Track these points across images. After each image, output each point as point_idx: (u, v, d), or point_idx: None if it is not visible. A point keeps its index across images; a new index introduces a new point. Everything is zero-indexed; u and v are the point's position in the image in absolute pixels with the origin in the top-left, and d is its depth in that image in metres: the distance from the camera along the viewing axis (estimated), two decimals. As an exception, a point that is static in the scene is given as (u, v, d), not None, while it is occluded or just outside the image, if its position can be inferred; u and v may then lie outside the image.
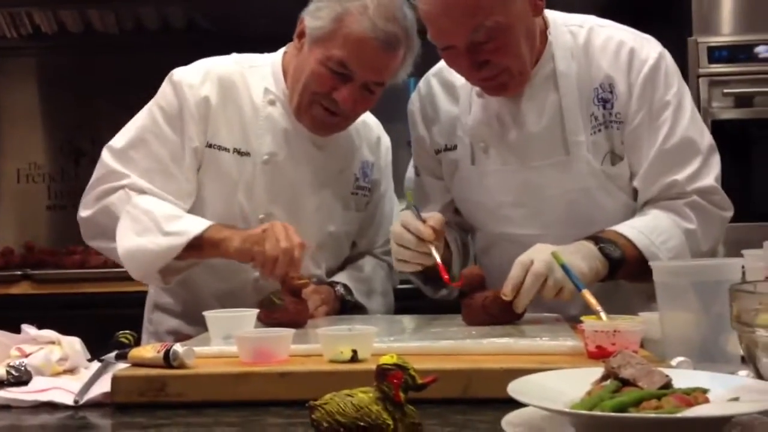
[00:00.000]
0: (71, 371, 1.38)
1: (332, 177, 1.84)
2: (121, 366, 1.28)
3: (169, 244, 1.66)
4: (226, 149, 1.77)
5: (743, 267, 1.27)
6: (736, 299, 1.02)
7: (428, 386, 0.95)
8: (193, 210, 1.77)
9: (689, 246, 1.61)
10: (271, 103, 1.81)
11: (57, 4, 3.30)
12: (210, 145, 1.77)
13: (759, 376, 1.02)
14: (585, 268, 1.49)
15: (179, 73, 1.80)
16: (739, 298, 1.02)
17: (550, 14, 1.71)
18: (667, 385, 0.92)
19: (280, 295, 1.56)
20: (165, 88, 1.80)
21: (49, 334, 1.44)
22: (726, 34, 2.88)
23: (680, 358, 1.15)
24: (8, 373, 1.31)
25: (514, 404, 0.93)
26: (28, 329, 1.47)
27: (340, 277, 1.86)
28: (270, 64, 1.85)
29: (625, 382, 0.94)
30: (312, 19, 1.72)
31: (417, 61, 1.77)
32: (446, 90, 1.80)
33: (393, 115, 2.03)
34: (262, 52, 1.90)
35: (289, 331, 1.27)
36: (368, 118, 1.95)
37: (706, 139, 1.67)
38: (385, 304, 1.92)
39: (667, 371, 0.96)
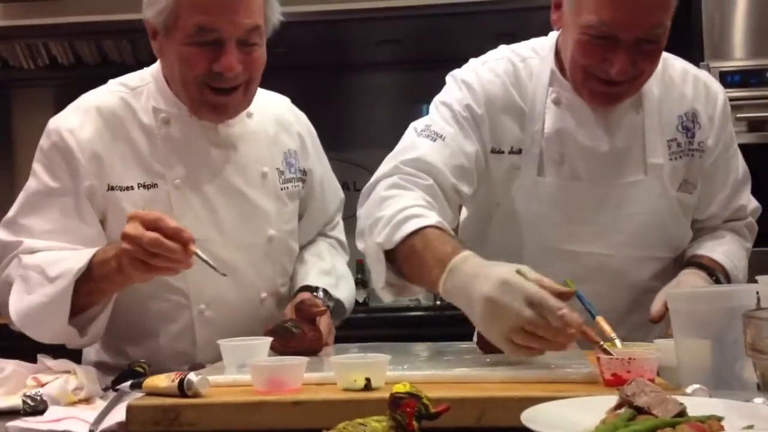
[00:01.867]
0: (87, 400, 1.39)
1: (255, 181, 1.75)
2: (136, 395, 1.28)
3: (57, 290, 1.51)
4: (129, 188, 1.64)
5: (758, 293, 1.26)
6: (750, 326, 1.02)
7: (441, 415, 0.95)
8: None
9: (746, 263, 1.77)
10: (165, 122, 1.68)
11: (73, 36, 3.35)
12: (111, 188, 1.64)
13: (775, 403, 1.01)
14: None
15: (55, 122, 1.67)
16: (753, 325, 1.01)
17: None
18: (682, 413, 0.92)
19: (297, 324, 1.56)
20: (43, 142, 1.67)
21: (64, 363, 1.46)
22: (738, 58, 2.89)
23: (695, 386, 1.14)
24: (24, 402, 1.32)
25: (528, 433, 0.92)
26: (44, 359, 1.49)
27: (311, 278, 1.78)
28: (152, 79, 1.72)
29: (640, 410, 0.94)
30: (150, 9, 1.61)
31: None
32: (513, 84, 1.68)
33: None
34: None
35: (303, 360, 1.27)
36: (277, 104, 1.86)
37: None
38: (349, 289, 1.86)
39: (682, 399, 0.95)
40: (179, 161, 1.68)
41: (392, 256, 1.47)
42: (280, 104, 1.89)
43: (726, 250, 1.73)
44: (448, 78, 1.74)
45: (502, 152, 1.67)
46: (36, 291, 1.54)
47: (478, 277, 1.30)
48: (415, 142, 1.64)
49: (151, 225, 1.42)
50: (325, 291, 1.77)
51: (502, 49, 1.74)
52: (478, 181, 1.67)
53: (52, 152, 1.65)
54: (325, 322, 1.65)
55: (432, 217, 1.46)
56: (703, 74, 1.77)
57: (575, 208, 1.66)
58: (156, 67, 1.74)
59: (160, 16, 1.59)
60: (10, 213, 1.67)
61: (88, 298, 1.55)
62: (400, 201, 1.51)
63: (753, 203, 1.84)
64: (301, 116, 1.91)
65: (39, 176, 1.66)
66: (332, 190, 1.98)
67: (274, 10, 1.66)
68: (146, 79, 1.73)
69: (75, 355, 1.64)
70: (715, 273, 1.65)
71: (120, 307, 1.66)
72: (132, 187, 1.65)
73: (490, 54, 1.74)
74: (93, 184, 1.63)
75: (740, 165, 1.80)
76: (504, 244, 1.72)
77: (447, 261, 1.36)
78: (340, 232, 2.01)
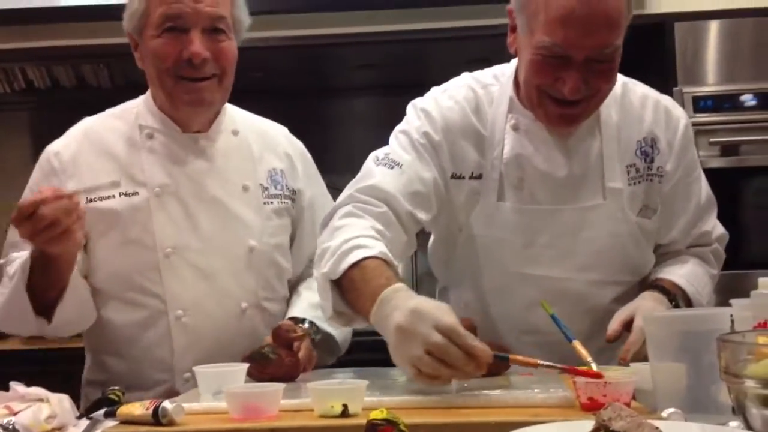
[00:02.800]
0: (60, 429, 1.37)
1: (236, 192, 1.79)
2: (110, 424, 1.26)
3: (13, 284, 1.64)
4: (111, 196, 1.72)
5: (732, 316, 1.27)
6: (724, 349, 1.02)
7: (418, 441, 0.94)
8: (90, 272, 1.74)
9: (712, 289, 1.77)
10: (149, 136, 1.77)
11: (51, 60, 3.33)
12: (90, 200, 1.71)
13: (749, 427, 1.01)
14: None
15: (46, 150, 1.80)
16: (728, 348, 1.02)
17: None
18: (658, 438, 0.92)
19: (274, 349, 1.55)
20: (35, 170, 1.80)
21: (37, 391, 1.43)
22: (711, 83, 2.93)
23: (671, 410, 1.14)
24: (-4, 431, 1.30)
25: (505, 459, 0.92)
26: (16, 386, 1.46)
27: (298, 311, 1.79)
28: (143, 101, 1.83)
29: (616, 435, 0.94)
30: (128, 20, 1.73)
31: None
32: (474, 111, 1.69)
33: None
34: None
35: (280, 386, 1.26)
36: (270, 129, 1.92)
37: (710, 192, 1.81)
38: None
39: (657, 423, 0.95)
40: (160, 170, 1.74)
41: (340, 286, 1.49)
42: (272, 129, 1.93)
43: (688, 274, 1.73)
44: (409, 107, 1.75)
45: (463, 177, 1.68)
46: (3, 290, 1.68)
47: (397, 308, 1.33)
48: (372, 170, 1.66)
49: (36, 204, 1.49)
50: (311, 323, 1.77)
51: (464, 76, 1.76)
52: (439, 207, 1.68)
53: (37, 174, 1.78)
54: (304, 348, 1.65)
55: (375, 248, 1.47)
56: (664, 99, 1.76)
57: (534, 232, 1.67)
58: (148, 94, 1.82)
59: (134, 19, 1.70)
60: (8, 236, 1.76)
61: (47, 291, 1.64)
62: (347, 231, 1.53)
63: (719, 229, 1.82)
64: (296, 142, 1.96)
65: (24, 197, 1.73)
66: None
67: (242, 9, 1.75)
68: (138, 103, 1.83)
69: (75, 378, 1.76)
70: (675, 298, 1.65)
71: (102, 318, 1.75)
72: (113, 196, 1.72)
73: (452, 82, 1.75)
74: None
75: (703, 190, 1.78)
76: (467, 268, 1.73)
77: (378, 293, 1.38)
78: None
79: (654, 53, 2.96)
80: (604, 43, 1.52)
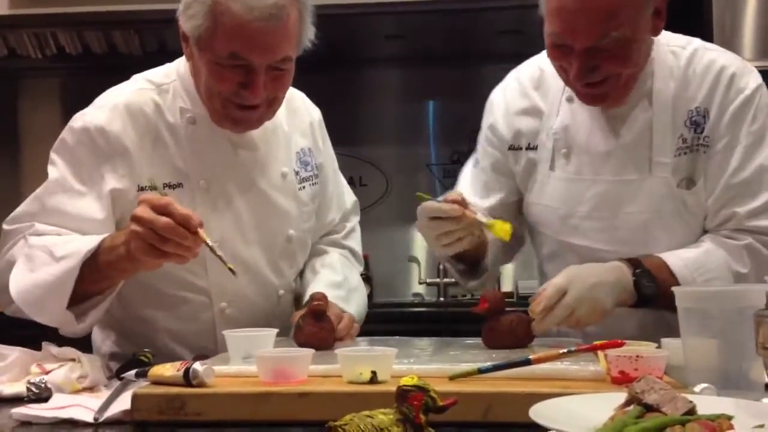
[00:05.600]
0: (91, 389, 1.39)
1: (276, 181, 1.75)
2: (141, 384, 1.28)
3: (62, 269, 1.48)
4: (154, 188, 1.59)
5: (768, 293, 1.25)
6: (761, 326, 1.01)
7: (449, 408, 0.94)
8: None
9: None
10: (191, 122, 1.68)
11: (81, 26, 3.34)
12: (141, 188, 1.62)
13: (784, 403, 1.00)
14: (608, 305, 1.52)
15: (82, 118, 1.64)
16: (765, 325, 1.01)
17: None
18: (692, 412, 0.92)
19: (306, 319, 1.56)
20: (68, 136, 1.64)
21: (69, 351, 1.45)
22: (748, 59, 2.85)
23: (703, 385, 1.13)
24: (28, 389, 1.33)
25: (535, 428, 0.92)
26: (48, 346, 1.48)
27: (318, 287, 1.75)
28: (178, 76, 1.71)
29: (649, 408, 0.93)
30: (186, 20, 1.59)
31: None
32: (536, 88, 1.78)
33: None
34: None
35: (309, 351, 1.27)
36: (291, 96, 1.81)
37: None
38: (360, 302, 1.85)
39: (690, 397, 0.95)
40: (204, 162, 1.67)
41: None
42: (295, 103, 1.87)
43: (691, 257, 1.59)
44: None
45: (520, 149, 1.77)
46: (40, 269, 1.51)
47: None
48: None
49: (161, 209, 1.40)
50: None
51: (536, 57, 1.82)
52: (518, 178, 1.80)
53: (78, 149, 1.63)
54: (346, 318, 1.67)
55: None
56: (735, 65, 1.67)
57: (579, 202, 1.70)
58: (182, 64, 1.71)
59: (195, 30, 1.57)
60: (20, 208, 1.64)
61: (92, 285, 1.52)
62: None
63: (765, 220, 1.61)
64: (313, 108, 1.90)
65: (61, 171, 1.63)
66: (342, 189, 1.98)
67: (309, 32, 1.64)
68: (171, 75, 1.71)
69: (85, 345, 1.62)
70: (642, 273, 1.55)
71: (141, 308, 1.69)
72: (157, 187, 1.61)
73: (529, 60, 1.85)
74: (122, 187, 1.61)
75: (747, 169, 1.62)
76: (532, 236, 1.86)
77: None
78: (354, 241, 1.99)
79: (691, 26, 2.91)
80: (600, 34, 1.52)
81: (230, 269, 1.42)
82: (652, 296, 1.56)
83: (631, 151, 1.66)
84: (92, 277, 1.51)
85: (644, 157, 1.65)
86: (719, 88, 1.65)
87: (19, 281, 1.54)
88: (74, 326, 1.55)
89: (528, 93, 1.78)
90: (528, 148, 1.76)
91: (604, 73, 1.57)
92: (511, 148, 1.78)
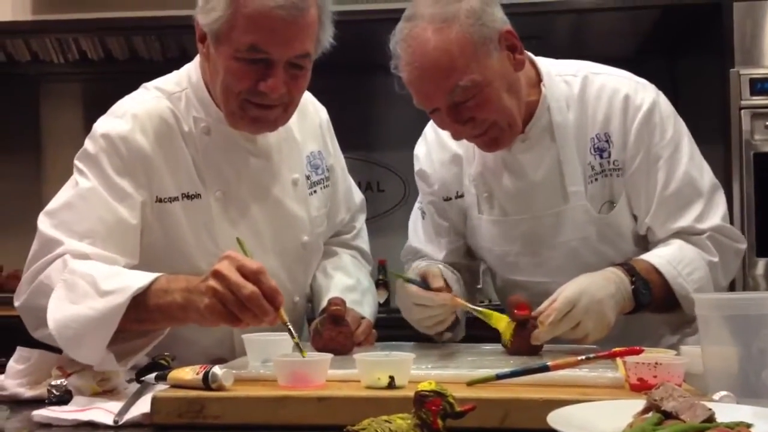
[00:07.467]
0: (111, 391, 1.40)
1: (288, 188, 1.74)
2: (161, 387, 1.29)
3: (108, 306, 1.37)
4: (174, 198, 1.58)
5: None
6: (780, 333, 1.01)
7: (466, 414, 0.95)
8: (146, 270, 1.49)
9: (712, 278, 1.65)
10: (206, 132, 1.65)
11: (103, 31, 3.38)
12: (159, 200, 1.59)
13: (805, 412, 1.00)
14: (612, 319, 1.54)
15: (105, 126, 1.61)
16: (784, 332, 1.00)
17: (544, 65, 1.72)
18: (711, 419, 0.91)
19: (324, 323, 1.57)
20: (92, 146, 1.59)
21: (90, 354, 1.46)
22: (768, 68, 2.86)
23: (723, 393, 1.13)
24: (49, 392, 1.33)
25: (554, 435, 0.92)
26: (69, 349, 1.49)
27: (334, 293, 1.75)
28: (189, 85, 1.68)
29: (668, 415, 0.93)
30: (205, 16, 1.56)
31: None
32: (458, 141, 1.77)
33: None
34: None
35: (327, 356, 1.27)
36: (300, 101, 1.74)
37: (707, 179, 1.70)
38: (373, 303, 1.85)
39: (709, 405, 0.94)
40: (220, 172, 1.66)
41: None
42: (304, 106, 1.81)
43: (670, 255, 1.63)
44: None
45: (450, 199, 1.83)
46: (83, 302, 1.40)
47: None
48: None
49: (251, 276, 1.31)
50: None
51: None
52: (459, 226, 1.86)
53: (103, 157, 1.57)
54: (364, 323, 1.69)
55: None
56: (626, 85, 1.69)
57: (510, 242, 1.75)
58: (192, 71, 1.69)
59: (214, 24, 1.54)
60: (52, 205, 1.58)
61: (133, 324, 1.40)
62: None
63: (711, 220, 1.67)
64: (321, 109, 1.89)
65: (92, 180, 1.56)
66: (350, 187, 1.97)
67: (328, 34, 1.63)
68: (182, 84, 1.69)
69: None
70: (638, 281, 1.57)
71: None
72: (177, 198, 1.60)
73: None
74: (142, 199, 1.58)
75: (675, 180, 1.66)
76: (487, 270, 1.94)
77: None
78: (362, 240, 1.99)
79: (711, 34, 2.89)
80: (447, 90, 1.57)
81: (296, 344, 1.33)
82: (648, 303, 1.59)
83: (547, 186, 1.70)
84: (137, 317, 1.39)
85: (559, 189, 1.69)
86: (615, 113, 1.67)
87: (57, 312, 1.42)
88: (113, 365, 1.40)
89: (445, 143, 1.81)
90: (457, 196, 1.81)
91: (481, 123, 1.60)
92: (445, 199, 1.83)
